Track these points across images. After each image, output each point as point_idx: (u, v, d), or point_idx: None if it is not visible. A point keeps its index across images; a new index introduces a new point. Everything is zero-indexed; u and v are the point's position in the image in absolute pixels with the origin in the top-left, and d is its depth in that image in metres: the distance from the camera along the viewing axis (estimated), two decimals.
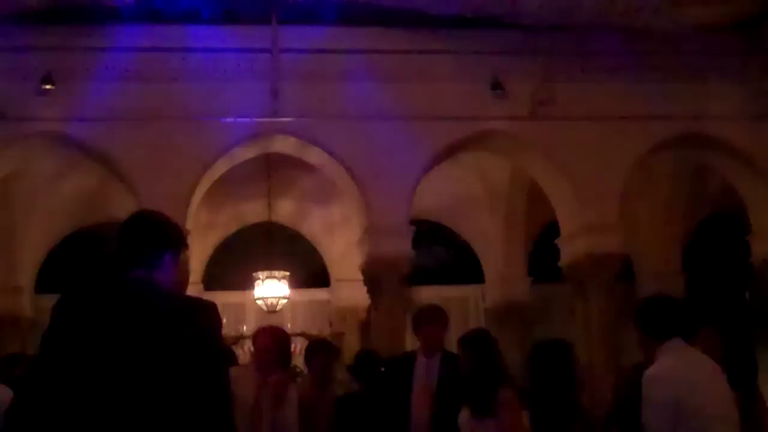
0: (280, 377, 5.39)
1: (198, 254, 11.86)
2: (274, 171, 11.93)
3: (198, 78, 9.64)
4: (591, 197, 10.19)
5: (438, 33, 9.89)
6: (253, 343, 5.59)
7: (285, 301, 12.05)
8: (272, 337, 5.63)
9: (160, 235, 2.88)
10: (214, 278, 13.14)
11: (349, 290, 12.58)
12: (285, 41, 9.45)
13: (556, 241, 10.78)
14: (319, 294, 13.65)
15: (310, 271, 13.41)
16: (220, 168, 10.23)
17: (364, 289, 10.45)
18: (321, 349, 6.30)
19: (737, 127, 10.49)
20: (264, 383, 5.42)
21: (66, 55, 9.47)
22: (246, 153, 10.38)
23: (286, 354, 5.87)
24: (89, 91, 9.51)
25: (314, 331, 12.51)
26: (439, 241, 13.63)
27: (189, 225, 9.79)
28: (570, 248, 10.48)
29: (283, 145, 10.44)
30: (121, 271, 2.70)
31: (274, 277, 11.91)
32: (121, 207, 11.17)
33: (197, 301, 2.75)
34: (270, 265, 11.96)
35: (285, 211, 13.18)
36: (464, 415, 4.68)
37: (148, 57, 9.58)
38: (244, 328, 12.27)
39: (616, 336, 10.26)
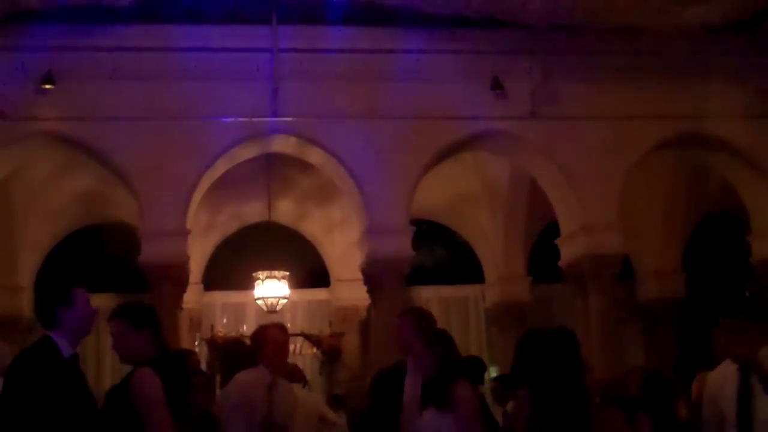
0: None
1: (198, 254, 11.85)
2: (274, 171, 11.93)
3: (198, 78, 9.63)
4: (591, 197, 10.19)
5: (438, 33, 9.88)
6: (263, 339, 5.35)
7: (285, 301, 12.06)
8: (284, 331, 5.53)
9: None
10: (214, 278, 13.15)
11: (349, 290, 12.58)
12: (285, 41, 9.46)
13: (556, 241, 10.78)
14: (319, 294, 13.65)
15: (310, 271, 13.41)
16: (220, 168, 10.23)
17: (364, 289, 10.45)
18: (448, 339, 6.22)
19: (737, 127, 10.49)
20: (275, 383, 5.24)
21: (66, 55, 9.47)
22: (246, 153, 10.38)
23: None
24: (89, 91, 9.52)
25: (314, 331, 12.54)
26: (439, 241, 13.63)
27: (189, 225, 9.81)
28: (570, 248, 10.48)
29: (283, 145, 10.44)
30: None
31: (274, 277, 11.91)
32: (121, 207, 11.22)
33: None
34: (270, 265, 11.97)
35: (285, 211, 13.18)
36: (427, 414, 4.67)
37: (148, 57, 9.58)
38: (244, 327, 12.29)
39: (616, 336, 10.29)
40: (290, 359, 11.97)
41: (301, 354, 12.44)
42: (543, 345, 4.50)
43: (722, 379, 4.24)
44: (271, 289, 11.90)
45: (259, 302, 12.02)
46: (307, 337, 12.29)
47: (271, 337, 5.31)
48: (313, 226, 13.61)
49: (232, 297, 13.23)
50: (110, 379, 12.41)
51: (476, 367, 6.63)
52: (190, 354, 6.41)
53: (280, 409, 5.21)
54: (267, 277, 11.91)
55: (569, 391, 4.22)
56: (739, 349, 4.17)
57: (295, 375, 8.31)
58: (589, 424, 4.22)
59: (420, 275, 11.66)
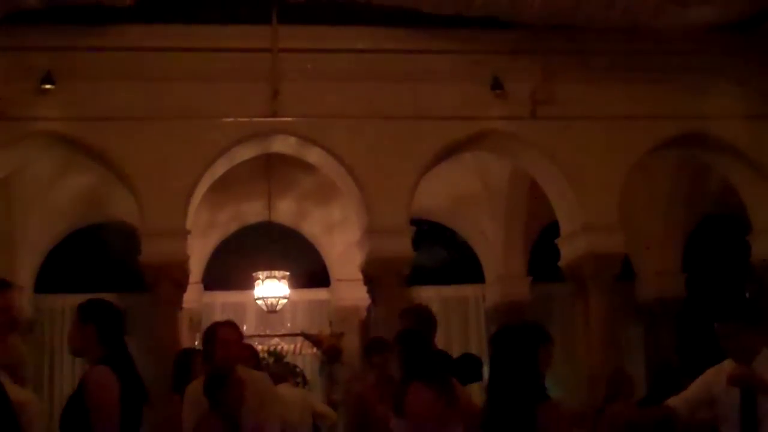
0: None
1: (198, 254, 11.84)
2: (274, 171, 11.93)
3: (198, 78, 9.63)
4: (591, 197, 10.19)
5: (438, 33, 9.88)
6: (213, 338, 5.27)
7: (285, 301, 12.06)
8: (235, 329, 5.43)
9: None
10: (214, 278, 13.14)
11: (349, 290, 12.58)
12: (285, 41, 9.45)
13: (556, 241, 10.78)
14: (319, 294, 13.64)
15: (310, 271, 13.40)
16: (220, 168, 10.23)
17: (364, 289, 10.45)
18: (384, 347, 6.07)
19: (737, 127, 10.49)
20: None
21: (66, 55, 9.47)
22: (246, 153, 10.38)
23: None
24: (89, 91, 9.52)
25: (314, 331, 12.53)
26: (439, 241, 13.62)
27: (189, 225, 9.81)
28: (570, 248, 10.48)
29: (283, 145, 10.44)
30: None
31: (274, 277, 11.91)
32: (121, 207, 11.22)
33: None
34: (270, 265, 11.97)
35: (285, 211, 13.18)
36: (393, 422, 4.56)
37: (148, 57, 9.59)
38: (244, 327, 12.29)
39: (616, 336, 10.29)
40: (290, 359, 12.05)
41: (301, 354, 12.44)
42: (496, 344, 4.36)
43: (719, 383, 4.19)
44: (271, 289, 11.90)
45: (259, 302, 12.02)
46: (307, 337, 12.28)
47: (220, 336, 5.25)
48: (313, 226, 13.61)
49: (232, 297, 13.23)
50: None
51: (471, 364, 6.54)
52: (196, 353, 6.34)
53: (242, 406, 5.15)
54: (267, 277, 11.91)
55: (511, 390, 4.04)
56: (738, 371, 4.10)
57: (282, 374, 8.32)
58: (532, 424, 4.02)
59: (420, 275, 11.64)
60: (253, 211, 13.12)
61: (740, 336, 4.19)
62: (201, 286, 12.83)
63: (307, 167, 11.20)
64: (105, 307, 4.30)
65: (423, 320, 5.54)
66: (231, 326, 5.42)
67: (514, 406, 3.94)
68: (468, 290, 13.74)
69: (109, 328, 4.18)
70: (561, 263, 10.69)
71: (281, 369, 9.18)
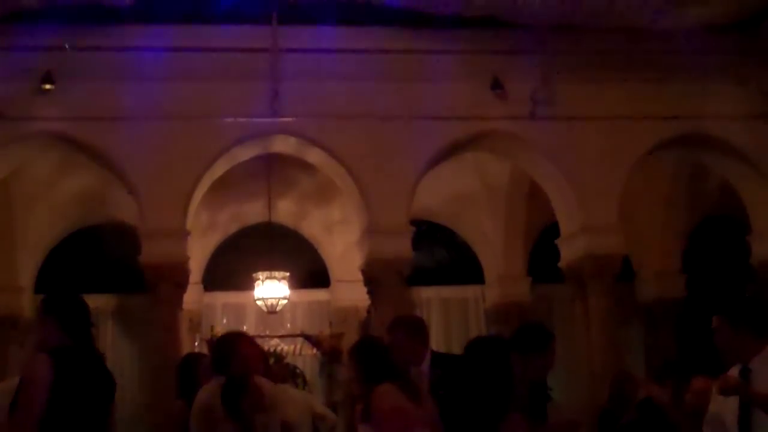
0: None
1: (198, 254, 11.84)
2: (274, 171, 11.93)
3: (198, 78, 9.63)
4: (591, 197, 10.19)
5: (438, 33, 9.88)
6: (233, 351, 5.07)
7: (285, 301, 12.04)
8: (257, 345, 5.37)
9: None
10: (214, 278, 13.13)
11: (349, 290, 12.57)
12: (285, 41, 9.45)
13: (556, 241, 10.78)
14: (319, 294, 13.63)
15: (310, 272, 13.39)
16: (220, 168, 10.23)
17: (364, 289, 10.45)
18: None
19: (737, 127, 10.49)
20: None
21: (66, 55, 9.46)
22: (246, 153, 10.38)
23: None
24: (89, 91, 9.52)
25: (314, 332, 12.53)
26: (439, 241, 13.62)
27: (189, 225, 9.80)
28: (570, 248, 10.48)
29: (283, 145, 10.44)
30: None
31: (274, 278, 11.89)
32: (121, 207, 11.22)
33: None
34: (270, 265, 11.96)
35: (285, 211, 13.17)
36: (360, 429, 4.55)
37: (148, 57, 9.58)
38: (244, 328, 12.28)
39: (616, 336, 10.28)
40: (290, 360, 12.05)
41: (301, 355, 12.44)
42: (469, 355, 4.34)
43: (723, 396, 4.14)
44: (271, 289, 11.89)
45: (259, 303, 12.01)
46: (307, 337, 12.28)
47: (242, 351, 5.05)
48: (313, 227, 13.60)
49: (232, 297, 13.21)
50: None
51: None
52: (200, 357, 6.21)
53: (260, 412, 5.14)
54: (267, 278, 11.89)
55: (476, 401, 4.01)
56: (726, 381, 4.04)
57: (281, 376, 8.32)
58: None
59: (420, 276, 11.65)
60: (253, 212, 13.11)
61: (724, 332, 4.14)
62: (201, 286, 12.83)
63: (307, 167, 11.21)
64: (67, 299, 4.22)
65: (414, 330, 5.44)
66: (251, 342, 5.31)
67: (475, 421, 3.92)
68: (468, 291, 13.72)
69: (71, 319, 4.09)
70: (561, 264, 10.68)
71: (281, 370, 9.16)
